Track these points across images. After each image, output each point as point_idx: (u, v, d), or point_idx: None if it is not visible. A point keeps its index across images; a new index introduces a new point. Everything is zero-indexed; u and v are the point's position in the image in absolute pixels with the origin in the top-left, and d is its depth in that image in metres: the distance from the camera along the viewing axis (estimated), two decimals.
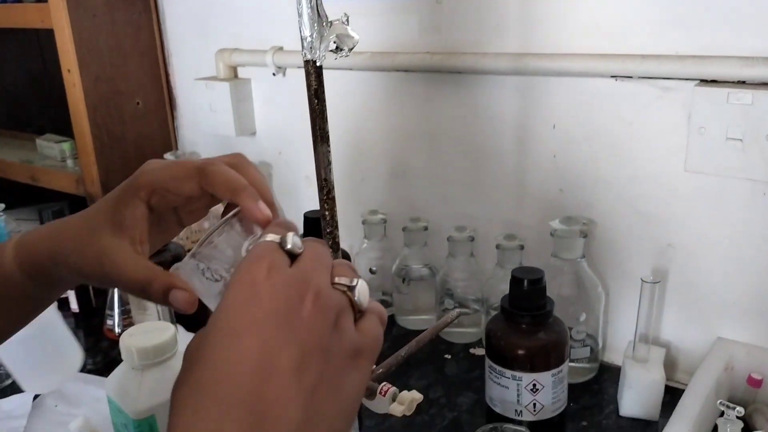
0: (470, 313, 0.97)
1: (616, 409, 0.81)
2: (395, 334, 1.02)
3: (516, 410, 0.71)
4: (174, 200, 0.47)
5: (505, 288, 0.73)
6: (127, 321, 1.01)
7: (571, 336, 0.83)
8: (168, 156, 1.26)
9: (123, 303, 1.01)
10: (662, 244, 0.85)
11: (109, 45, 1.22)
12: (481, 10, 0.90)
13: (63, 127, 1.39)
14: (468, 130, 0.97)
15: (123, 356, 0.68)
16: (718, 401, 0.66)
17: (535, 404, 0.70)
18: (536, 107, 0.90)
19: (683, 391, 0.72)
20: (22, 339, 0.83)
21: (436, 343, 0.97)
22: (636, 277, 0.80)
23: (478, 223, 0.99)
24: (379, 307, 0.39)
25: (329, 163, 0.56)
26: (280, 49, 1.12)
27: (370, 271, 1.05)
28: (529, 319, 0.70)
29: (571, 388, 0.76)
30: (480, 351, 0.95)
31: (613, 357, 0.92)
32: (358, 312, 0.37)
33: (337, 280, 0.37)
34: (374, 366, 0.52)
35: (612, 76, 0.82)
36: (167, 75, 1.33)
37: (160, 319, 0.91)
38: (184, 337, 0.92)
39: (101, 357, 0.99)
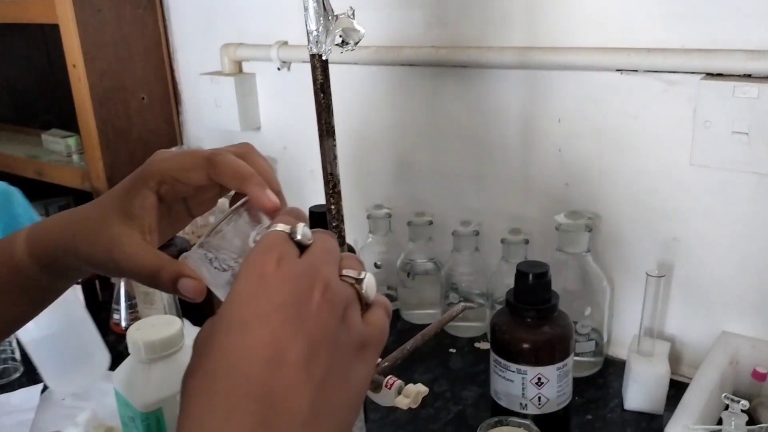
0: (475, 308, 0.97)
1: (621, 403, 0.82)
2: (400, 328, 1.02)
3: (521, 404, 0.71)
4: (183, 190, 0.47)
5: (510, 282, 0.73)
6: (134, 315, 1.01)
7: (576, 330, 0.83)
8: (174, 150, 1.27)
9: (129, 297, 1.02)
10: (667, 238, 0.85)
11: (114, 40, 1.22)
12: (487, 3, 0.90)
13: (68, 122, 1.40)
14: (473, 125, 0.97)
15: (130, 350, 0.68)
16: (723, 395, 0.66)
17: (539, 398, 0.70)
18: (541, 101, 0.90)
19: (688, 384, 0.72)
20: (52, 338, 0.84)
21: (441, 337, 0.98)
22: (641, 271, 0.80)
23: (483, 218, 0.99)
24: (385, 300, 0.39)
25: (335, 157, 0.56)
26: (285, 43, 1.12)
27: (375, 265, 1.05)
28: (534, 313, 0.70)
29: (576, 381, 0.76)
30: (485, 345, 0.96)
31: (617, 351, 0.92)
32: (364, 305, 0.38)
33: (344, 272, 0.37)
34: (380, 359, 0.52)
35: (617, 70, 0.82)
36: (172, 70, 1.33)
37: (166, 313, 0.91)
38: (191, 331, 0.92)
39: (108, 351, 0.99)
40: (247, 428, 0.31)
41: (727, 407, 0.66)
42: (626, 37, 0.81)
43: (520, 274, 0.71)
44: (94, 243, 0.46)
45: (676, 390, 0.76)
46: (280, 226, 0.37)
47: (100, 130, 1.22)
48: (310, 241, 0.37)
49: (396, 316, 1.03)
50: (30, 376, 0.94)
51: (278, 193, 0.44)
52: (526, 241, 0.91)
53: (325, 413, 0.33)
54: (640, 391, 0.79)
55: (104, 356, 0.90)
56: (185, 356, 0.70)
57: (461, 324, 0.98)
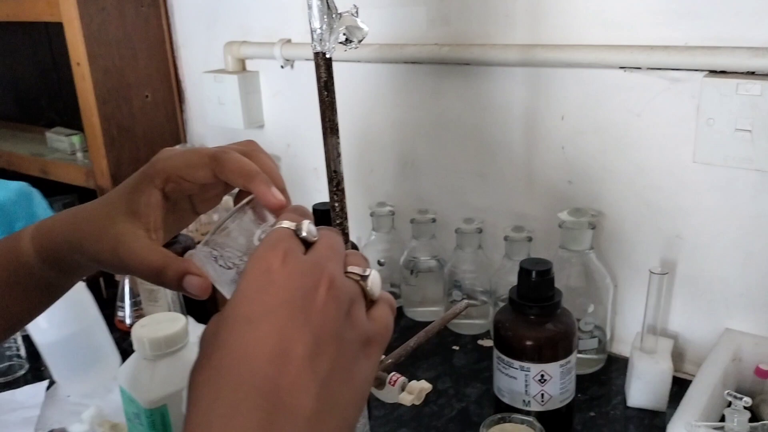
0: (478, 305, 0.97)
1: (624, 400, 0.82)
2: (403, 325, 1.02)
3: (524, 401, 0.71)
4: (188, 188, 0.48)
5: (513, 279, 0.74)
6: (138, 312, 1.01)
7: (579, 327, 0.83)
8: (178, 148, 1.27)
9: (134, 295, 1.02)
10: (670, 235, 0.85)
11: (118, 38, 1.22)
12: (490, 1, 0.90)
13: (72, 120, 1.40)
14: (476, 122, 0.97)
15: (135, 347, 0.68)
16: (726, 392, 0.66)
17: (543, 395, 0.71)
18: (544, 98, 0.90)
19: (691, 382, 0.73)
20: (67, 341, 0.85)
21: (444, 334, 0.98)
22: (644, 269, 0.80)
23: (486, 215, 0.99)
24: (389, 297, 0.39)
25: (339, 155, 0.56)
26: (289, 41, 1.12)
27: (379, 262, 1.05)
28: (537, 310, 0.71)
29: (579, 378, 0.77)
30: (488, 342, 0.96)
31: (621, 348, 0.92)
32: (369, 301, 0.38)
33: (350, 269, 0.37)
34: (383, 356, 0.53)
35: (620, 67, 0.82)
36: (176, 68, 1.33)
37: (170, 310, 0.92)
38: (195, 328, 0.93)
39: (118, 351, 1.00)
40: (253, 423, 0.31)
41: (729, 404, 0.66)
42: (629, 35, 0.81)
43: (523, 272, 0.71)
44: (100, 240, 0.46)
45: (679, 387, 0.77)
46: (286, 223, 0.37)
47: (104, 128, 1.22)
48: (315, 238, 0.37)
49: (399, 313, 1.04)
50: (35, 373, 0.94)
51: (283, 190, 0.45)
52: (530, 239, 0.91)
53: (330, 409, 0.33)
54: (643, 388, 0.79)
55: (115, 357, 0.91)
56: (190, 353, 0.70)
57: (464, 321, 0.98)
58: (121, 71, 1.24)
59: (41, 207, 0.90)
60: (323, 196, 0.61)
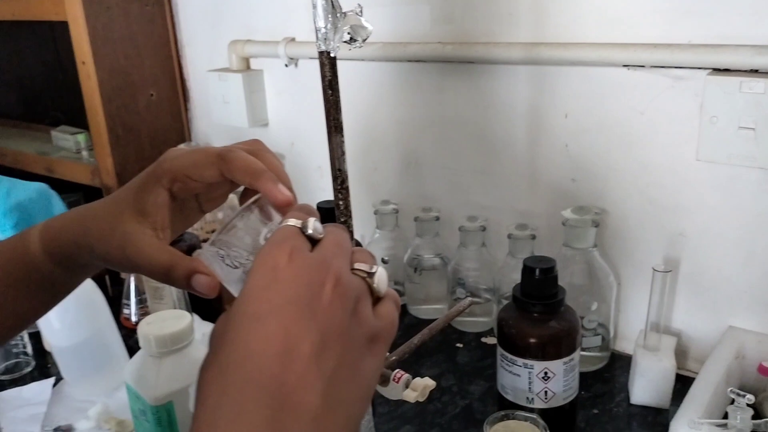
0: (482, 303, 0.98)
1: (627, 397, 0.82)
2: (407, 323, 1.03)
3: (527, 398, 0.71)
4: (195, 187, 0.48)
5: (516, 277, 0.74)
6: (143, 310, 1.02)
7: (582, 325, 0.83)
8: (182, 146, 1.27)
9: (139, 292, 1.02)
10: (674, 233, 0.85)
11: (123, 37, 1.23)
12: None
13: (78, 119, 1.40)
14: (480, 120, 0.97)
15: (141, 344, 0.69)
16: (729, 389, 0.66)
17: (546, 392, 0.71)
18: (548, 97, 0.90)
19: (694, 379, 0.73)
20: (81, 345, 0.85)
21: (448, 332, 0.98)
22: (647, 267, 0.80)
23: (490, 213, 0.99)
24: (394, 293, 0.39)
25: (343, 153, 0.56)
26: (293, 40, 1.12)
27: (382, 260, 1.05)
28: (541, 307, 0.71)
29: (583, 376, 0.77)
30: (491, 340, 0.96)
31: (624, 346, 0.92)
32: (375, 298, 0.38)
33: (356, 266, 0.37)
34: (388, 353, 0.53)
35: (624, 65, 0.82)
36: (180, 66, 1.34)
37: (176, 308, 0.92)
38: (200, 325, 0.93)
39: (128, 354, 1.00)
40: (259, 421, 0.32)
41: (732, 401, 0.66)
42: (633, 33, 0.81)
43: (527, 270, 0.71)
44: (108, 240, 0.47)
45: (683, 384, 0.77)
46: (292, 221, 0.37)
47: (110, 127, 1.23)
48: (322, 235, 0.37)
49: (403, 311, 1.04)
50: (41, 369, 0.95)
51: (289, 189, 0.45)
52: (533, 237, 0.91)
53: (336, 406, 0.34)
54: (647, 386, 0.79)
55: (124, 359, 0.91)
56: (195, 350, 0.71)
57: (468, 319, 0.98)
58: (126, 70, 1.24)
59: (59, 208, 0.91)
60: (327, 194, 0.61)
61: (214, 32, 1.25)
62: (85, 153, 1.40)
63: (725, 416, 0.67)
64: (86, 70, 1.20)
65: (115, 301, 1.07)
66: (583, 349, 0.84)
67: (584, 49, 0.84)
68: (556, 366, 0.70)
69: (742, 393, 0.65)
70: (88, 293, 0.86)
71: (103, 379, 0.87)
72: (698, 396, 0.69)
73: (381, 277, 0.38)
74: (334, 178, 0.57)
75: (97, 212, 0.49)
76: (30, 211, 0.87)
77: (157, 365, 0.68)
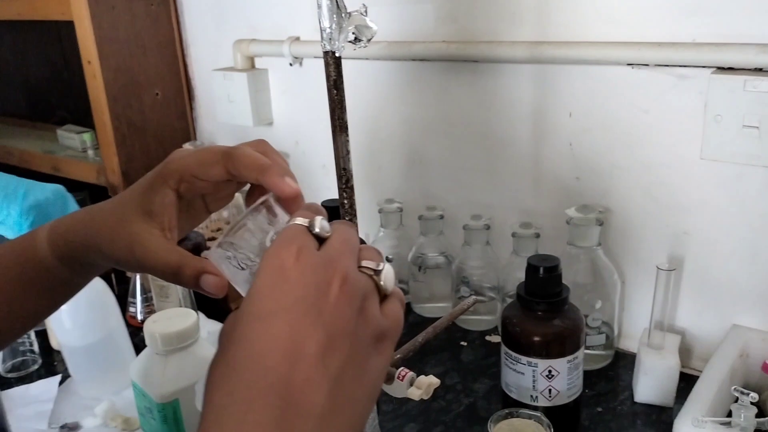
0: (486, 301, 0.98)
1: (631, 396, 0.82)
2: (411, 321, 1.03)
3: (531, 396, 0.72)
4: (202, 186, 0.48)
5: (520, 276, 0.74)
6: (149, 308, 1.03)
7: (586, 323, 0.84)
8: (187, 146, 1.28)
9: (145, 291, 1.03)
10: (678, 231, 0.85)
11: (128, 36, 1.23)
12: None
13: (83, 118, 1.41)
14: (484, 119, 0.97)
15: (147, 342, 0.69)
16: (733, 387, 0.66)
17: (550, 390, 0.71)
18: (552, 95, 0.90)
19: (698, 377, 0.73)
20: (92, 347, 0.86)
21: (452, 330, 0.98)
22: (651, 265, 0.80)
23: (494, 212, 0.99)
24: (399, 291, 0.39)
25: (348, 152, 0.56)
26: (297, 39, 1.13)
27: (387, 259, 1.06)
28: (545, 306, 0.71)
29: (587, 374, 0.77)
30: (496, 338, 0.96)
31: (628, 344, 0.92)
32: (382, 296, 0.38)
33: (363, 263, 0.37)
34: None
35: (628, 64, 0.82)
36: (185, 66, 1.34)
37: (181, 306, 0.93)
38: (206, 324, 0.94)
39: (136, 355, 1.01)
40: (266, 420, 0.32)
41: (736, 400, 0.66)
42: (637, 32, 0.81)
43: (531, 268, 0.72)
44: (116, 240, 0.47)
45: (687, 383, 0.77)
46: (299, 220, 0.37)
47: (115, 126, 1.24)
48: (329, 234, 0.37)
49: (407, 309, 1.04)
50: (48, 367, 0.95)
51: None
52: (537, 235, 0.91)
53: (342, 405, 0.34)
54: (651, 384, 0.79)
55: (132, 359, 0.91)
56: (201, 348, 0.71)
57: (472, 317, 0.99)
58: (132, 69, 1.25)
59: (73, 209, 0.92)
60: (332, 193, 0.61)
61: (219, 31, 1.25)
62: (90, 152, 1.41)
63: (729, 414, 0.67)
64: (92, 69, 1.20)
65: (121, 299, 1.07)
66: (587, 348, 0.84)
67: (588, 48, 0.84)
68: (560, 364, 0.70)
69: (746, 391, 0.65)
70: (100, 295, 0.86)
71: (112, 379, 0.88)
72: (702, 394, 0.69)
73: (388, 275, 0.38)
74: (339, 177, 0.57)
75: (104, 213, 0.49)
76: (46, 211, 0.88)
77: (163, 363, 0.69)
